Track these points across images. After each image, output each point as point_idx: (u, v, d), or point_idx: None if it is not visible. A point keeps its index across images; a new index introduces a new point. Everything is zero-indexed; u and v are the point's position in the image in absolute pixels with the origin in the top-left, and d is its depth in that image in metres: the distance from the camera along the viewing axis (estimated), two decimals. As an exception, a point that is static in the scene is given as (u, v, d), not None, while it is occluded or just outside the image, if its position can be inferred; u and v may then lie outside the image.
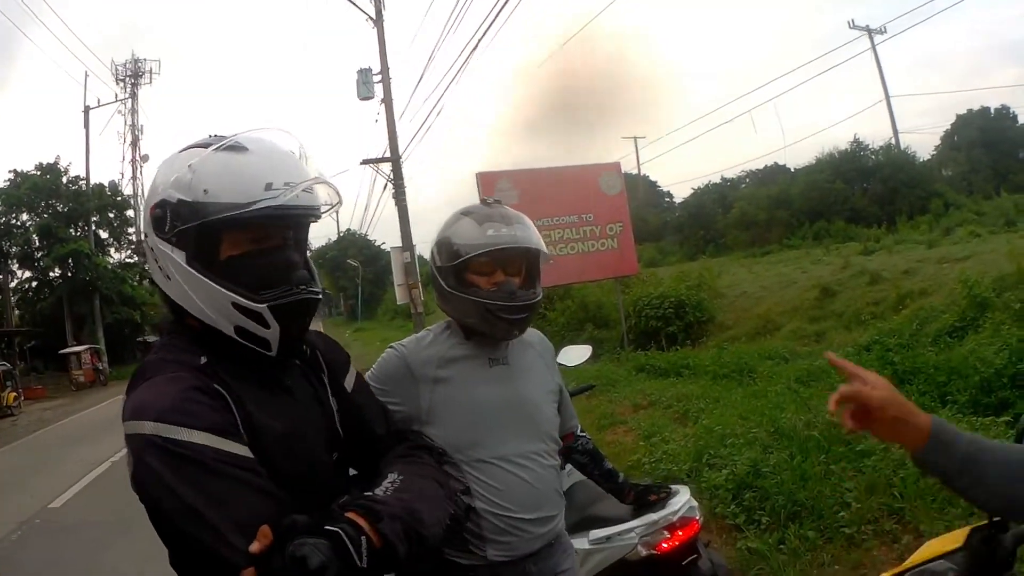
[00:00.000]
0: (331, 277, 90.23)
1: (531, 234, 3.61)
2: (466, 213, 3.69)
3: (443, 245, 3.66)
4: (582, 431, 4.42)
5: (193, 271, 2.38)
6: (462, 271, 3.59)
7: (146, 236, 2.51)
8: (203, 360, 2.42)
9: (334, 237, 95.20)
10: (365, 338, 53.11)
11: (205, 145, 2.43)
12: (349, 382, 2.88)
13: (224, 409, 2.32)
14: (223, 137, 2.45)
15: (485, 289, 3.56)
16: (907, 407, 2.17)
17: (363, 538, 2.12)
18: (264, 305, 2.38)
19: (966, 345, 14.03)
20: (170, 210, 2.38)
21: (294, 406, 2.58)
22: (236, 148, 2.40)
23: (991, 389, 11.52)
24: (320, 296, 2.56)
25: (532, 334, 4.00)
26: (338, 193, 2.54)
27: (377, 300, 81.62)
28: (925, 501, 7.28)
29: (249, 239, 2.42)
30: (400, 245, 33.30)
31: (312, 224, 2.64)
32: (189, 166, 2.37)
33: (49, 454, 23.40)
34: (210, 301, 2.39)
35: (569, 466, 4.96)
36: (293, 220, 2.49)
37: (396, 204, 33.99)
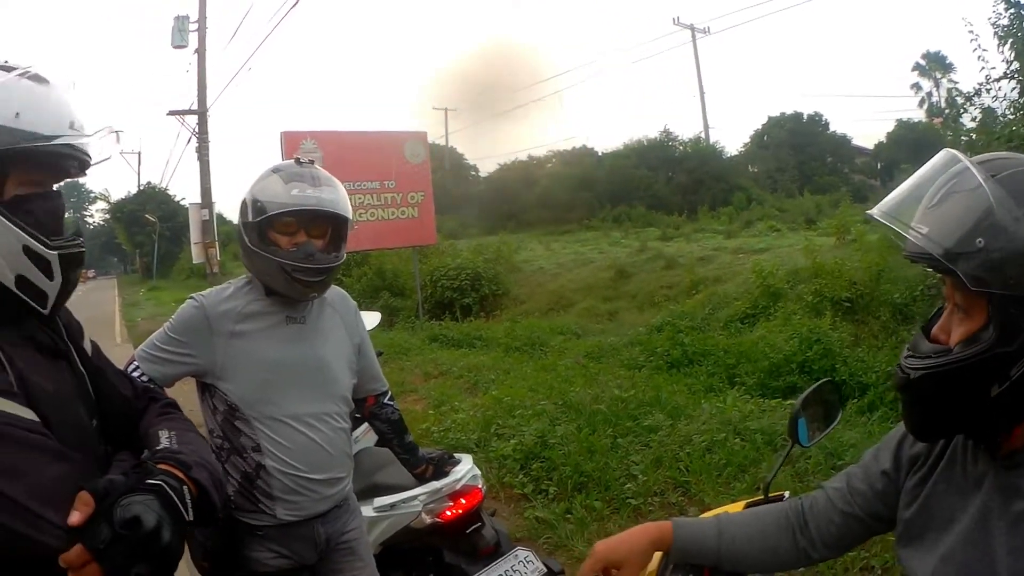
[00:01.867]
0: (127, 232, 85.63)
1: (337, 198, 3.61)
2: (276, 170, 3.65)
3: (250, 201, 3.61)
4: (390, 399, 4.37)
5: None
6: (264, 229, 3.57)
7: None
8: None
9: (133, 191, 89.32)
10: (159, 297, 51.66)
11: (5, 68, 2.10)
12: (87, 345, 2.55)
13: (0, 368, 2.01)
14: (15, 64, 2.14)
15: (284, 249, 3.55)
16: (632, 536, 2.33)
17: (185, 488, 1.98)
18: (56, 253, 2.12)
19: (757, 331, 14.70)
20: None
21: (54, 366, 2.28)
22: (38, 79, 2.13)
23: (779, 373, 12.18)
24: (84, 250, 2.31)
25: (335, 294, 4.01)
26: (118, 142, 2.31)
27: (173, 258, 79.15)
28: (710, 475, 7.48)
29: (34, 180, 2.14)
30: (199, 202, 32.23)
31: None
32: None
33: None
34: None
35: (355, 433, 5.08)
36: (76, 165, 2.24)
37: (198, 159, 32.72)
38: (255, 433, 3.58)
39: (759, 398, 10.66)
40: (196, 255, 32.22)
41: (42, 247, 2.08)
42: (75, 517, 1.75)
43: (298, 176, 3.56)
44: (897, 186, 1.81)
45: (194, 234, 31.90)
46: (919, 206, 1.71)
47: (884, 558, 5.59)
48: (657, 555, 2.42)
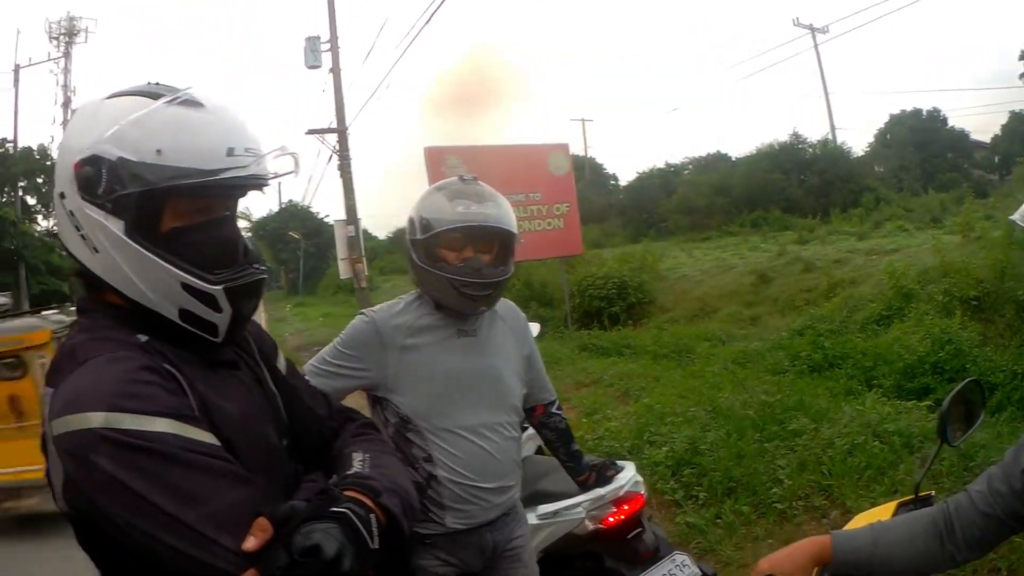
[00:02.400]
0: (272, 249, 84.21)
1: (502, 213, 3.59)
2: (439, 188, 3.69)
3: (416, 219, 3.63)
4: (558, 408, 4.31)
5: (135, 245, 1.94)
6: (432, 245, 3.57)
7: (63, 196, 2.02)
8: (143, 338, 2.00)
9: (275, 208, 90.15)
10: (306, 313, 50.47)
11: (151, 95, 1.98)
12: (281, 364, 2.50)
13: (179, 391, 1.92)
14: (167, 87, 2.03)
15: (452, 264, 3.54)
16: (794, 552, 2.42)
17: (372, 516, 1.88)
18: (220, 287, 2.01)
19: (891, 333, 14.48)
20: (107, 169, 1.92)
21: (240, 387, 2.21)
22: (190, 103, 1.98)
23: (914, 375, 12.00)
24: (266, 275, 2.22)
25: (504, 306, 3.99)
26: (297, 164, 2.15)
27: (319, 274, 78.74)
28: (851, 479, 7.45)
29: (195, 209, 2.02)
30: (344, 218, 31.86)
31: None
32: (135, 119, 1.92)
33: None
34: (152, 280, 1.97)
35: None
36: (247, 191, 2.13)
37: (341, 176, 32.25)
38: (427, 444, 3.58)
39: (895, 400, 10.46)
40: (343, 271, 32.01)
41: (203, 283, 1.99)
42: (250, 543, 1.72)
43: (462, 193, 3.59)
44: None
45: (340, 250, 31.53)
46: None
47: (1010, 560, 5.62)
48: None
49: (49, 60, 62.42)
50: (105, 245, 1.96)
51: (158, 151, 1.89)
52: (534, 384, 4.10)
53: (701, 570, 4.67)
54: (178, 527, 1.70)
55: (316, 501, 1.86)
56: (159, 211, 1.95)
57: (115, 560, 1.88)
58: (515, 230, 3.65)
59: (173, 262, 1.95)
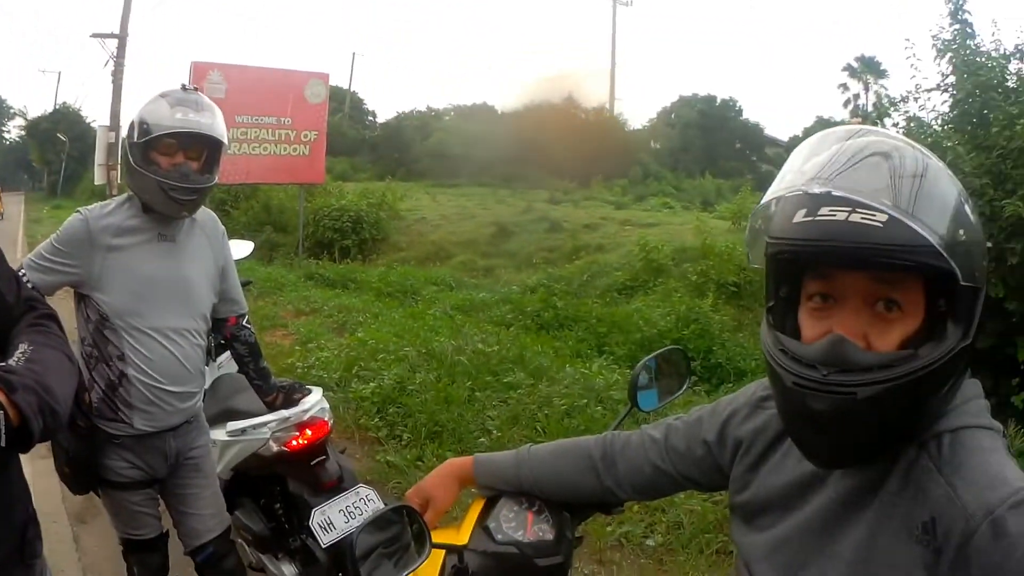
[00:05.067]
0: (40, 150, 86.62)
1: (216, 123, 3.90)
2: (164, 95, 3.89)
3: (137, 123, 3.84)
4: (248, 322, 4.65)
5: None
6: (148, 149, 3.82)
7: None
8: None
9: (50, 109, 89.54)
10: (60, 216, 50.76)
11: None
12: None
13: None
14: None
15: (164, 169, 3.80)
16: (438, 476, 2.50)
17: (1, 413, 1.93)
18: None
19: (633, 303, 15.13)
20: None
21: None
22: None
23: (651, 348, 11.75)
24: None
25: (205, 216, 4.27)
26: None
27: (79, 178, 79.35)
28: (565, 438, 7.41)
29: None
30: (108, 124, 32.54)
31: None
32: None
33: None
34: None
35: (219, 359, 5.72)
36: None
37: (112, 82, 33.26)
38: (121, 343, 3.86)
39: (627, 369, 10.68)
40: (99, 176, 32.53)
41: None
42: None
43: (183, 101, 3.84)
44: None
45: (99, 155, 32.14)
46: None
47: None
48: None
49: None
50: None
51: None
52: (226, 295, 4.44)
53: (386, 506, 4.61)
54: None
55: None
56: None
57: None
58: (224, 140, 3.98)
59: None
